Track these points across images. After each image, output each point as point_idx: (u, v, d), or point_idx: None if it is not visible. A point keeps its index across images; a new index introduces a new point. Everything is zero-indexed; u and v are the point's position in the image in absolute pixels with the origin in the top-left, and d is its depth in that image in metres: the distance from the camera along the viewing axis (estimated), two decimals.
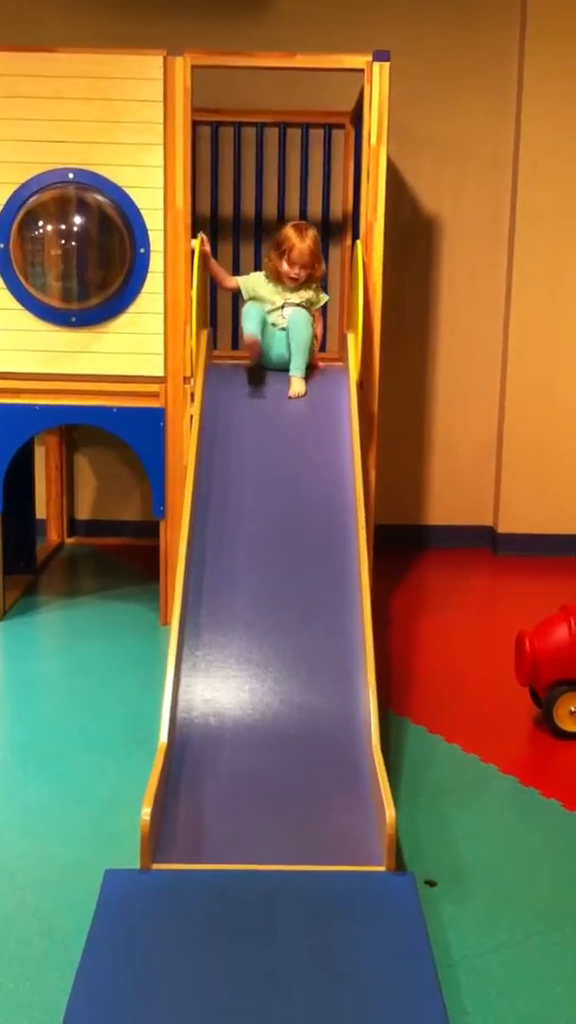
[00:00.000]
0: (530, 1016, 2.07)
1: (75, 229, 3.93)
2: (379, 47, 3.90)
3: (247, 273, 4.26)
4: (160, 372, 4.07)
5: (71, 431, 5.32)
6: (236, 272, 4.58)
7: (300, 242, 3.94)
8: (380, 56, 3.87)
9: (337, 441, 3.68)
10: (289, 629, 3.11)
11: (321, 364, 4.12)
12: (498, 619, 4.49)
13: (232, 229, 4.93)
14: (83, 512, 5.50)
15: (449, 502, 5.47)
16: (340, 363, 4.15)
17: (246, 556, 3.31)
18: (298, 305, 4.00)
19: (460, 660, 3.97)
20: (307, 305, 4.03)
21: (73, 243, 3.93)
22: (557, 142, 5.06)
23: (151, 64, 3.88)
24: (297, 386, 3.88)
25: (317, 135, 4.82)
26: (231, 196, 4.89)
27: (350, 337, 4.05)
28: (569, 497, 5.34)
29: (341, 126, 4.79)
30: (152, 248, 3.99)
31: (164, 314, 4.03)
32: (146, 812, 2.42)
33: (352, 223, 4.58)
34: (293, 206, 4.89)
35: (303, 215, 4.82)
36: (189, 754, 2.80)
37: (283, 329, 3.98)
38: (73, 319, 4.01)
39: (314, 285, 4.07)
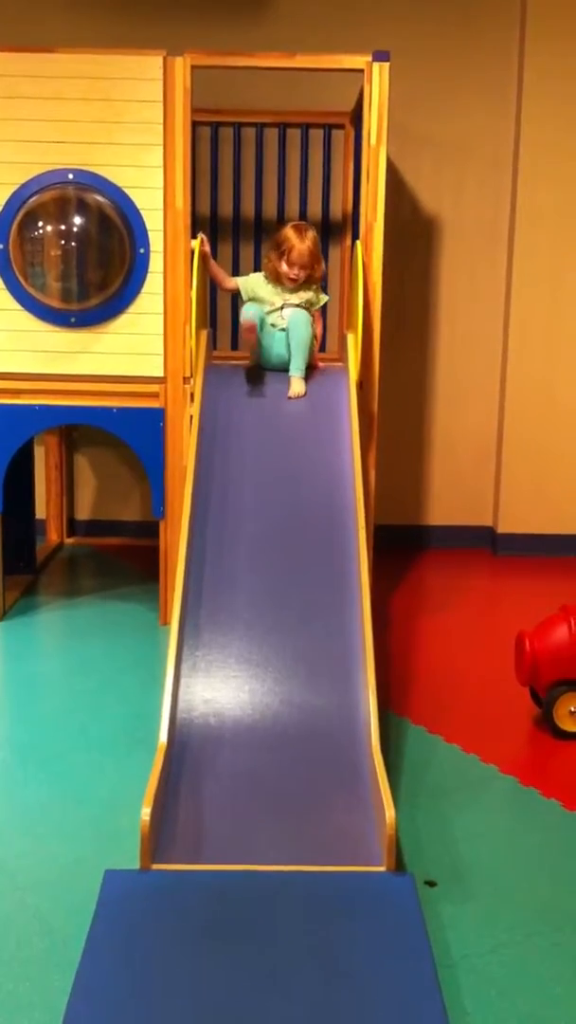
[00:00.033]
0: (530, 1016, 2.07)
1: (75, 229, 3.93)
2: (379, 47, 3.90)
3: (247, 274, 4.26)
4: (160, 372, 4.07)
5: (71, 431, 5.32)
6: (235, 273, 4.58)
7: (299, 243, 3.94)
8: (380, 56, 3.87)
9: (337, 441, 3.68)
10: (289, 629, 3.11)
11: (321, 364, 4.12)
12: (498, 619, 4.49)
13: (232, 230, 4.93)
14: (83, 512, 5.51)
15: (449, 502, 5.47)
16: (340, 363, 4.15)
17: (246, 556, 3.31)
18: (297, 306, 4.00)
19: (460, 660, 3.97)
20: (306, 306, 4.02)
21: (73, 243, 3.94)
22: (557, 142, 5.06)
23: (151, 64, 3.88)
24: (297, 386, 3.88)
25: (317, 135, 4.82)
26: (231, 196, 4.89)
27: (350, 337, 4.05)
28: (569, 497, 5.34)
29: (341, 126, 4.79)
30: (152, 248, 3.99)
31: (164, 314, 4.03)
32: (146, 812, 2.42)
33: (352, 223, 4.58)
34: (293, 206, 4.89)
35: (303, 215, 4.82)
36: (189, 754, 2.80)
37: (283, 330, 3.98)
38: (73, 319, 4.01)
39: (314, 286, 4.07)
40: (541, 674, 3.31)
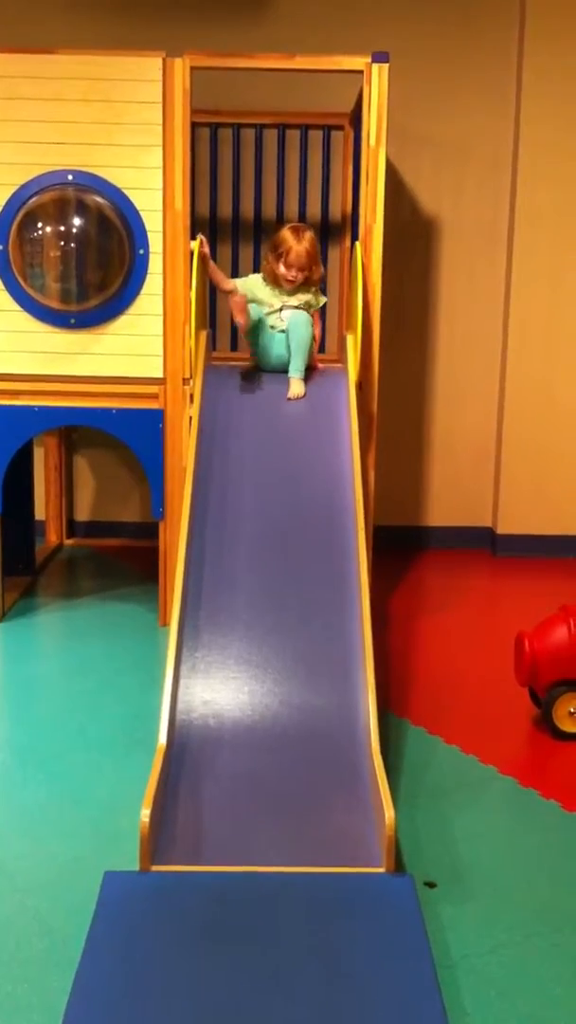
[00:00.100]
0: (530, 1017, 2.07)
1: (74, 231, 3.94)
2: (378, 48, 3.91)
3: (246, 275, 4.25)
4: (159, 373, 4.07)
5: (70, 432, 5.32)
6: (235, 274, 4.57)
7: (297, 244, 3.94)
8: (379, 57, 3.87)
9: (336, 442, 3.68)
10: (288, 630, 3.11)
11: (320, 365, 4.12)
12: (498, 620, 4.49)
13: (231, 231, 4.92)
14: (82, 513, 5.50)
15: (448, 503, 5.47)
16: (339, 364, 4.15)
17: (245, 557, 3.31)
18: (296, 308, 4.00)
19: (460, 661, 3.97)
20: (305, 307, 4.02)
21: (72, 245, 3.94)
22: (556, 142, 5.06)
23: (150, 66, 3.88)
24: (296, 387, 3.88)
25: (316, 136, 4.82)
26: (230, 197, 4.89)
27: (349, 338, 4.05)
28: (568, 498, 5.34)
29: (340, 127, 4.79)
30: (151, 250, 3.99)
31: (163, 315, 4.03)
32: (145, 813, 2.42)
33: (351, 224, 4.58)
34: (292, 207, 4.89)
35: (302, 216, 4.82)
36: (188, 755, 2.80)
37: (282, 331, 3.98)
38: (72, 320, 4.01)
39: (313, 288, 4.06)
40: (540, 675, 3.31)
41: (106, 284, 3.96)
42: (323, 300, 4.13)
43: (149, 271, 4.00)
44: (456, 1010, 2.06)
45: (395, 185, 5.00)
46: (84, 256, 3.94)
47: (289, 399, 3.87)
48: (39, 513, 5.02)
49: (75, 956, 2.16)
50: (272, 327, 4.00)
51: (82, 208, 3.92)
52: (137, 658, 3.90)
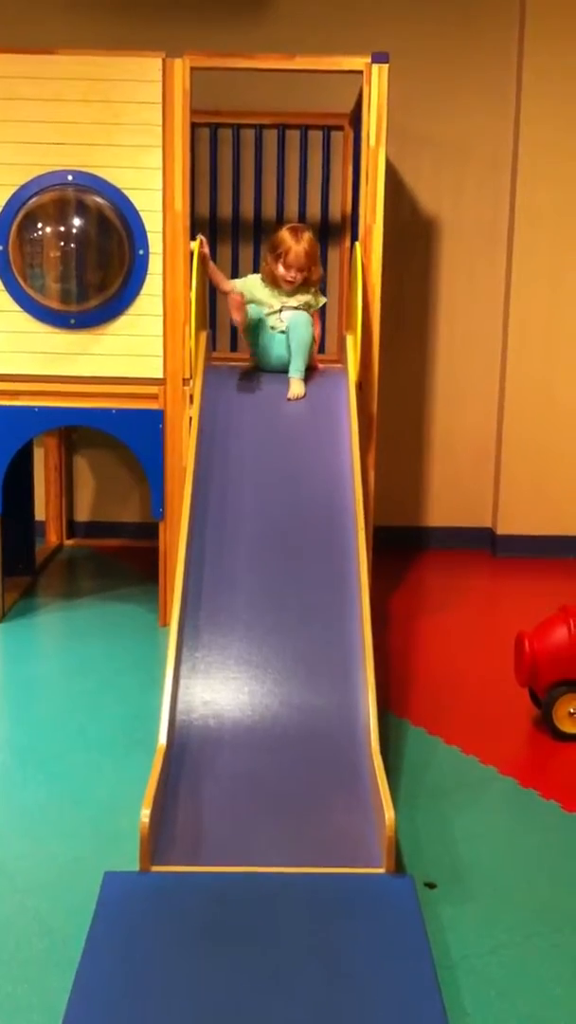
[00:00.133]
0: (530, 1017, 2.07)
1: (74, 231, 3.94)
2: (378, 48, 3.91)
3: (246, 275, 4.25)
4: (159, 374, 4.07)
5: (70, 433, 5.32)
6: (235, 274, 4.58)
7: (295, 244, 3.93)
8: (379, 58, 3.87)
9: (336, 442, 3.68)
10: (288, 630, 3.11)
11: (320, 366, 4.12)
12: (498, 620, 4.49)
13: (231, 231, 4.93)
14: (82, 514, 5.51)
15: (448, 503, 5.47)
16: (339, 364, 4.15)
17: (245, 557, 3.31)
18: (296, 309, 4.00)
19: (460, 661, 3.97)
20: (305, 308, 4.02)
21: (72, 245, 3.94)
22: (556, 142, 5.06)
23: (150, 66, 3.88)
24: (296, 388, 3.88)
25: (316, 137, 4.82)
26: (230, 198, 4.89)
27: (349, 338, 4.05)
28: (568, 498, 5.34)
29: (340, 128, 4.79)
30: (151, 250, 3.99)
31: (163, 316, 4.03)
32: (145, 814, 2.42)
33: (351, 225, 4.58)
34: (292, 208, 4.89)
35: (302, 217, 4.82)
36: (188, 755, 2.80)
37: (282, 332, 3.98)
38: (72, 321, 4.01)
39: (312, 288, 4.06)
40: (540, 675, 3.31)
41: (106, 284, 3.96)
42: (323, 300, 4.13)
43: (149, 271, 4.00)
44: (456, 1010, 2.06)
45: (395, 185, 5.00)
46: (84, 256, 3.94)
47: (289, 399, 3.87)
48: (39, 513, 5.02)
49: (75, 956, 2.16)
50: (272, 328, 4.00)
51: (82, 208, 3.92)
52: (137, 658, 3.90)
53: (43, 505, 5.20)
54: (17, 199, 3.93)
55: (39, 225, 3.91)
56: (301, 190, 4.85)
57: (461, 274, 5.29)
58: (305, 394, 3.89)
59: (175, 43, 4.01)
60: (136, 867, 2.42)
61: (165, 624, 4.15)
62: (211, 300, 4.57)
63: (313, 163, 4.83)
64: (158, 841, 2.48)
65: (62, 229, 3.93)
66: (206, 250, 4.06)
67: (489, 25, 5.08)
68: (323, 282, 4.30)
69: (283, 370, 3.96)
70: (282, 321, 3.99)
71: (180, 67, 3.87)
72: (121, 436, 4.15)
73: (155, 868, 2.42)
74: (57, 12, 4.93)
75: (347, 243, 4.83)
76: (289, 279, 3.97)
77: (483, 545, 5.45)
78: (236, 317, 3.93)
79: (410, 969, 2.12)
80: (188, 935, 2.22)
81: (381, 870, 2.42)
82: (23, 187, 3.93)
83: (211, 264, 4.16)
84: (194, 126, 4.10)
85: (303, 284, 4.01)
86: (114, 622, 4.27)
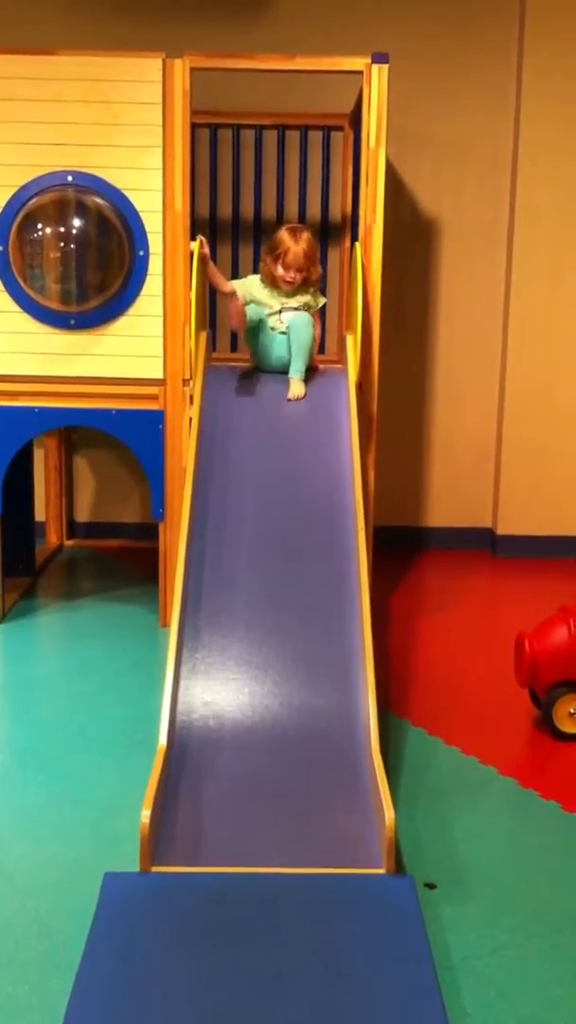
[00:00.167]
0: (530, 1018, 2.07)
1: (74, 232, 3.94)
2: (378, 48, 3.90)
3: (246, 276, 4.25)
4: (159, 374, 4.07)
5: (70, 433, 5.32)
6: (235, 275, 4.58)
7: (294, 245, 3.93)
8: (379, 58, 3.87)
9: (336, 443, 3.68)
10: (289, 631, 3.11)
11: (320, 366, 4.12)
12: (498, 620, 4.49)
13: (231, 231, 4.93)
14: (82, 514, 5.51)
15: (448, 504, 5.47)
16: (339, 365, 4.15)
17: (245, 558, 3.31)
18: (296, 309, 3.99)
19: (460, 661, 3.97)
20: (304, 308, 4.02)
21: (72, 246, 3.94)
22: (556, 142, 5.06)
23: (150, 66, 3.88)
24: (296, 388, 3.88)
25: (316, 137, 4.82)
26: (230, 198, 4.89)
27: (349, 339, 4.05)
28: (568, 498, 5.34)
29: (340, 128, 4.79)
30: (151, 251, 3.99)
31: (163, 316, 4.03)
32: (145, 814, 2.42)
33: (351, 225, 4.58)
34: (292, 208, 4.89)
35: (302, 217, 4.82)
36: (189, 756, 2.80)
37: (282, 333, 3.98)
38: (72, 321, 4.01)
39: (312, 289, 4.06)
40: (540, 675, 3.31)
41: (106, 285, 3.96)
42: (322, 301, 4.13)
43: (149, 272, 4.00)
44: (456, 1011, 2.06)
45: (395, 185, 5.00)
46: (84, 257, 3.94)
47: (289, 400, 3.87)
48: (39, 514, 5.02)
49: (75, 957, 2.16)
50: (272, 328, 4.00)
51: (82, 209, 3.92)
52: (137, 659, 3.90)
53: (43, 505, 5.20)
54: (17, 200, 3.93)
55: (39, 226, 3.91)
56: (301, 190, 4.86)
57: (461, 274, 5.29)
58: (305, 395, 3.89)
59: (175, 43, 4.01)
60: (136, 868, 2.42)
61: (165, 625, 4.15)
62: (211, 300, 4.57)
63: (313, 163, 4.83)
64: (158, 842, 2.48)
65: (62, 230, 3.93)
66: (206, 251, 4.06)
67: (489, 25, 5.07)
68: (323, 282, 4.30)
69: (283, 371, 3.96)
70: (282, 322, 3.99)
71: (180, 67, 3.87)
72: (121, 437, 4.15)
73: (155, 869, 2.42)
74: (57, 12, 4.93)
75: (347, 243, 4.83)
76: (288, 280, 3.97)
77: (483, 545, 5.45)
78: (235, 325, 3.94)
79: (410, 970, 2.12)
80: (188, 936, 2.22)
81: (381, 871, 2.42)
82: (23, 188, 3.93)
83: (211, 265, 4.16)
84: (194, 126, 4.10)
85: (302, 284, 4.01)
86: (114, 623, 4.27)
